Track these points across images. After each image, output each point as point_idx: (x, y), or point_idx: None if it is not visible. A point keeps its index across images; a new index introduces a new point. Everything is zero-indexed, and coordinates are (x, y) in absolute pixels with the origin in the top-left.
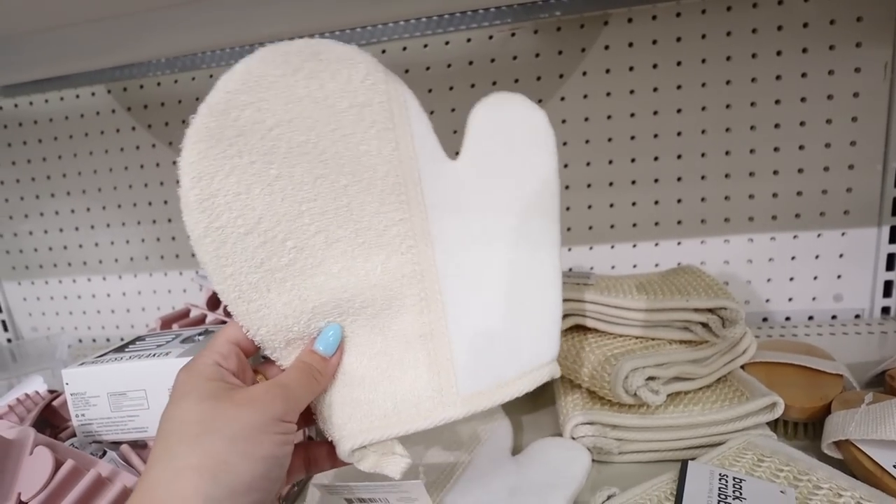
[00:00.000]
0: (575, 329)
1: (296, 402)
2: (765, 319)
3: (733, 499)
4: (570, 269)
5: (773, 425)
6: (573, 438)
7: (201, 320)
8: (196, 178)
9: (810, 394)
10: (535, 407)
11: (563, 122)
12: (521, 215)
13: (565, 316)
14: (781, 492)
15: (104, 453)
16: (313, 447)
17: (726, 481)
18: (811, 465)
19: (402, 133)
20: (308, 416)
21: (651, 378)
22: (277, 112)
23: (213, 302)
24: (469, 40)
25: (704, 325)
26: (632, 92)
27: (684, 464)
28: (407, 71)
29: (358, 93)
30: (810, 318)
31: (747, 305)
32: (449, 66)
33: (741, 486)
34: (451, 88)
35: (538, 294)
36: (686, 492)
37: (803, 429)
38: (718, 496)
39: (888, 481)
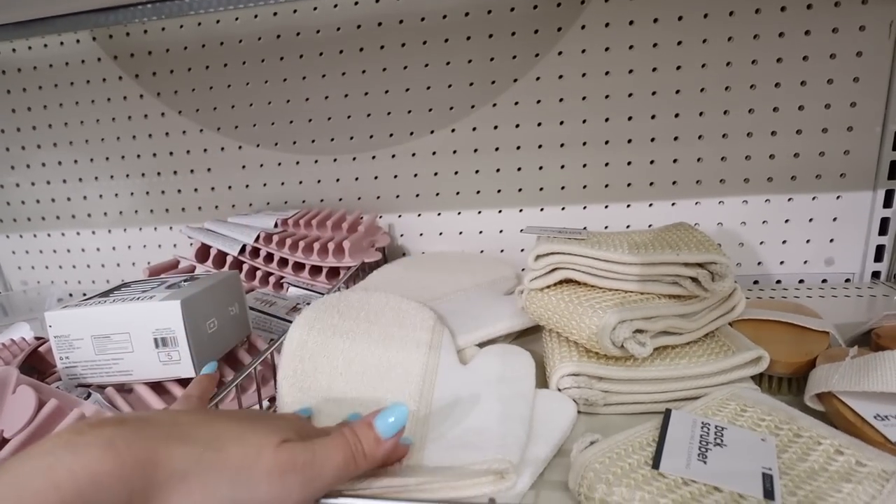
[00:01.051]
0: (565, 283)
1: (317, 487)
2: (756, 282)
3: (714, 445)
4: (563, 228)
5: (759, 380)
6: (559, 390)
7: (190, 271)
8: None
9: (796, 349)
10: None
11: (560, 77)
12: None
13: (554, 269)
14: (762, 440)
15: (89, 395)
16: None
17: (708, 429)
18: (792, 416)
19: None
20: None
21: (639, 331)
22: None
23: (202, 254)
24: None
25: (694, 279)
26: (631, 48)
27: (668, 411)
28: (401, 21)
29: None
30: (801, 281)
31: (739, 268)
32: (444, 17)
33: (722, 434)
34: (446, 41)
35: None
36: (668, 438)
37: (787, 384)
38: (700, 443)
39: (869, 432)
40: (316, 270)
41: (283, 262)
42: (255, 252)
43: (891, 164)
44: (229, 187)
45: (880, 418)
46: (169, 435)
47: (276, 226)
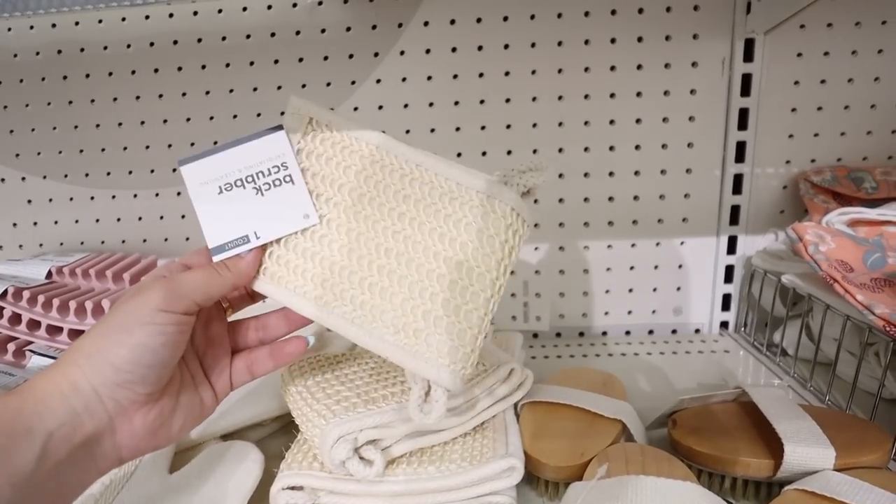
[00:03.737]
0: (325, 361)
1: (184, 293)
2: (604, 333)
3: None
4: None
5: (536, 482)
6: None
7: None
8: None
9: (572, 448)
10: None
11: (380, 108)
12: None
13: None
14: None
15: None
16: (255, 352)
17: None
18: None
19: None
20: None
21: (373, 441)
22: None
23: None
24: (270, 7)
25: None
26: (455, 77)
27: None
28: (200, 40)
29: None
30: (650, 332)
31: (584, 318)
32: (248, 36)
33: None
34: (251, 63)
35: None
36: None
37: (564, 487)
38: None
39: None
40: (77, 334)
41: (36, 324)
42: None
43: (731, 209)
44: (14, 224)
45: None
46: None
47: (48, 275)
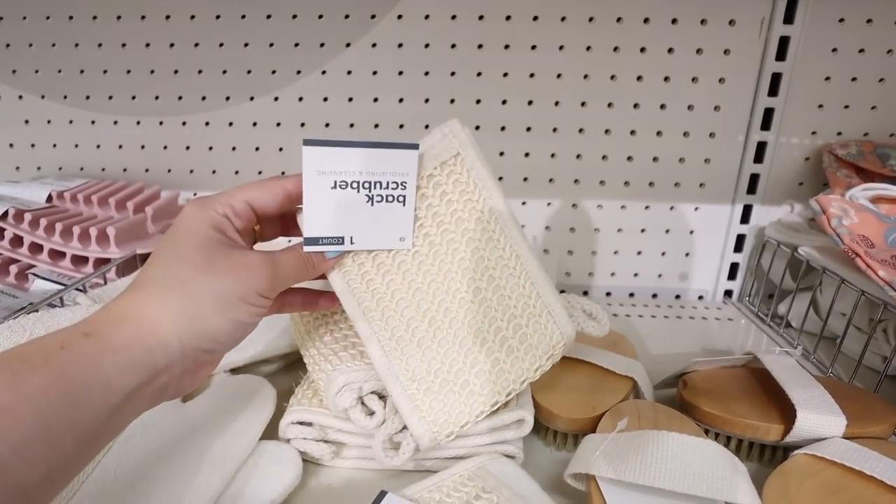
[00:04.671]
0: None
1: (281, 282)
2: (608, 294)
3: None
4: None
5: (545, 432)
6: (288, 440)
7: None
8: None
9: (585, 401)
10: None
11: (401, 45)
12: None
13: None
14: None
15: None
16: (289, 294)
17: None
18: None
19: None
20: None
21: (376, 392)
22: None
23: None
24: None
25: None
26: (453, 46)
27: (381, 494)
28: None
29: None
30: (654, 295)
31: (590, 278)
32: None
33: None
34: (242, 17)
35: None
36: None
37: (573, 439)
38: None
39: None
40: (80, 260)
41: (38, 248)
42: None
43: (750, 177)
44: (10, 145)
45: None
46: None
47: (49, 199)
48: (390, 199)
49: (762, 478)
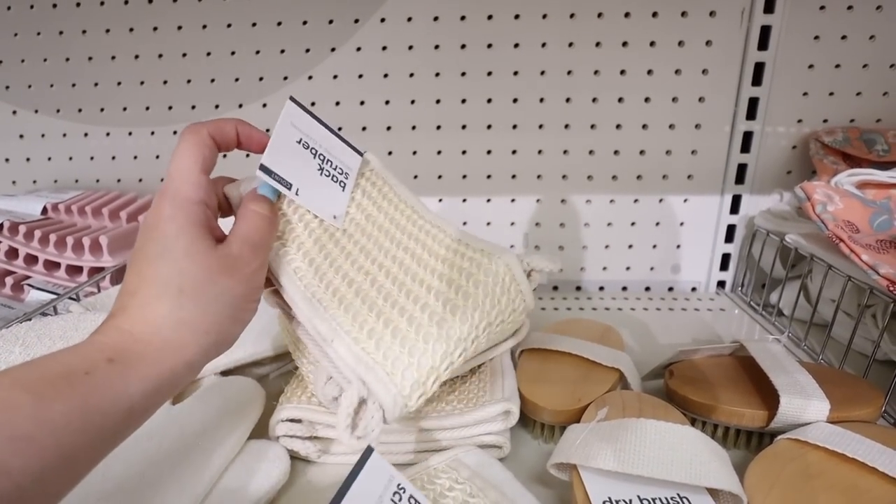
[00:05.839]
0: None
1: (264, 255)
2: (601, 288)
3: None
4: None
5: (532, 425)
6: (277, 438)
7: None
8: None
9: (570, 393)
10: None
11: (384, 48)
12: None
13: None
14: None
15: None
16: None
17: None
18: (507, 497)
19: None
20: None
21: None
22: None
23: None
24: None
25: None
26: (437, 47)
27: (368, 451)
28: None
29: None
30: (647, 288)
31: (582, 272)
32: None
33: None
34: (228, 26)
35: None
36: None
37: (560, 431)
38: None
39: None
40: (75, 270)
41: (33, 259)
42: None
43: (738, 168)
44: (6, 160)
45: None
46: None
47: (44, 212)
48: (335, 179)
49: (748, 464)
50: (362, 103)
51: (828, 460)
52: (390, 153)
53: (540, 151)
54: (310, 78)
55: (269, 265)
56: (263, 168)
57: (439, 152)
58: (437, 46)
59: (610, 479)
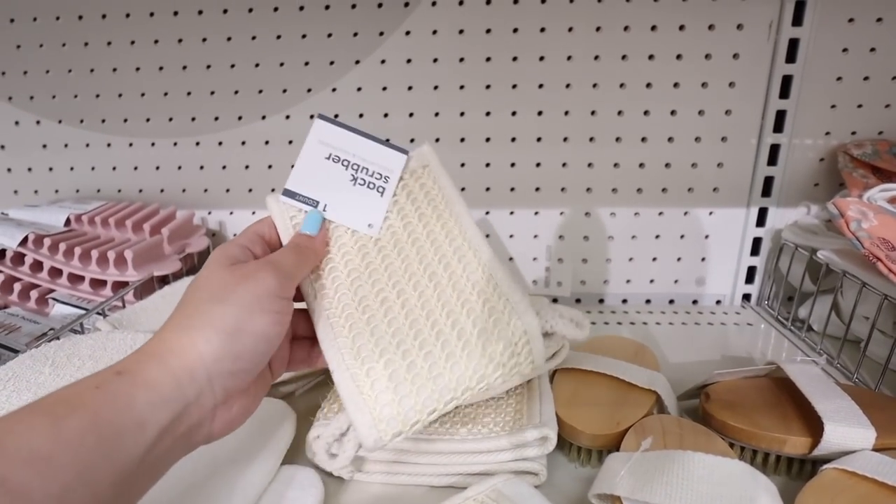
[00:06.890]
0: None
1: (287, 275)
2: (625, 301)
3: None
4: None
5: (569, 448)
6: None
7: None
8: None
9: (608, 416)
10: None
11: (409, 61)
12: None
13: None
14: None
15: None
16: (295, 349)
17: None
18: None
19: None
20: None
21: None
22: None
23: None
24: None
25: None
26: (462, 60)
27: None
28: None
29: None
30: (671, 301)
31: (606, 285)
32: (250, 10)
33: None
34: (275, 9)
35: None
36: None
37: (598, 455)
38: None
39: None
40: (99, 283)
41: (57, 272)
42: (20, 258)
43: (765, 180)
44: (29, 169)
45: None
46: None
47: (67, 223)
48: (371, 186)
49: (790, 491)
50: (386, 115)
51: (878, 492)
52: None
53: (564, 164)
54: (333, 90)
55: (300, 283)
56: (287, 192)
57: (463, 164)
58: (461, 59)
59: None
